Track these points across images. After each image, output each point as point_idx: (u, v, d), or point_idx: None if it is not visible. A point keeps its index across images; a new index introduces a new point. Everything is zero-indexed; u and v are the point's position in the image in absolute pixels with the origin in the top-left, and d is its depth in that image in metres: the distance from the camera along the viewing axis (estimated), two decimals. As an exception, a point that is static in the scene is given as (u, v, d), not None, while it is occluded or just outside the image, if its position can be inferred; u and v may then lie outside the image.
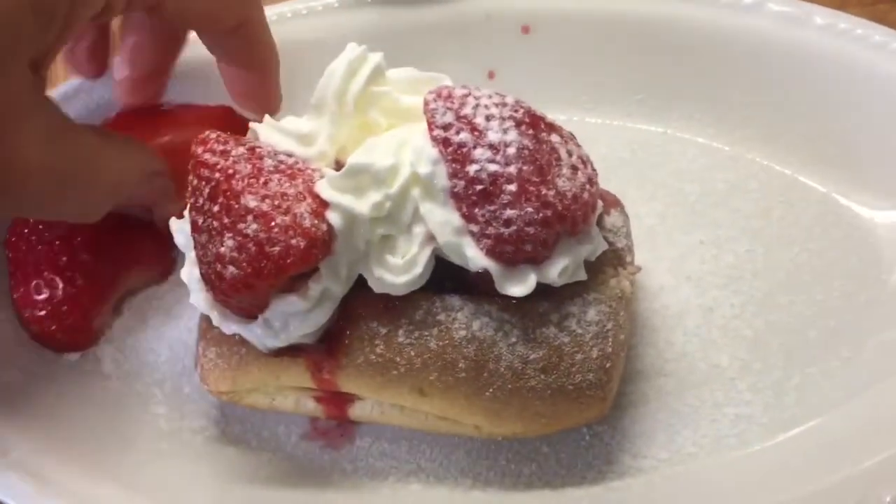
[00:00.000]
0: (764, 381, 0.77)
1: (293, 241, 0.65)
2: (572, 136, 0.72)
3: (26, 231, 0.86)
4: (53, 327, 0.82)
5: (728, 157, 0.92)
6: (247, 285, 0.66)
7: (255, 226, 0.66)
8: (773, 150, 0.91)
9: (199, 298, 0.72)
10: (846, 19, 0.89)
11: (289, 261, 0.65)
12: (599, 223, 0.74)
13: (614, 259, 0.74)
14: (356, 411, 0.75)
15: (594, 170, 0.71)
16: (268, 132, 0.73)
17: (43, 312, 0.82)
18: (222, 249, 0.66)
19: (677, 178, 0.91)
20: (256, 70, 0.87)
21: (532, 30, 0.98)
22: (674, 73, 0.95)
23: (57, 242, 0.84)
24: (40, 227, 0.86)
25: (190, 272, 0.73)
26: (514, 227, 0.65)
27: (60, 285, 0.83)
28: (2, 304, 0.84)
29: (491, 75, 0.99)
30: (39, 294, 0.83)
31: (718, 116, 0.93)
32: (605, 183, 0.74)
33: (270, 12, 1.00)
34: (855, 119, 0.87)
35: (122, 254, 0.86)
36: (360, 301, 0.70)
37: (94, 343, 0.85)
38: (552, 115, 0.79)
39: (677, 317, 0.82)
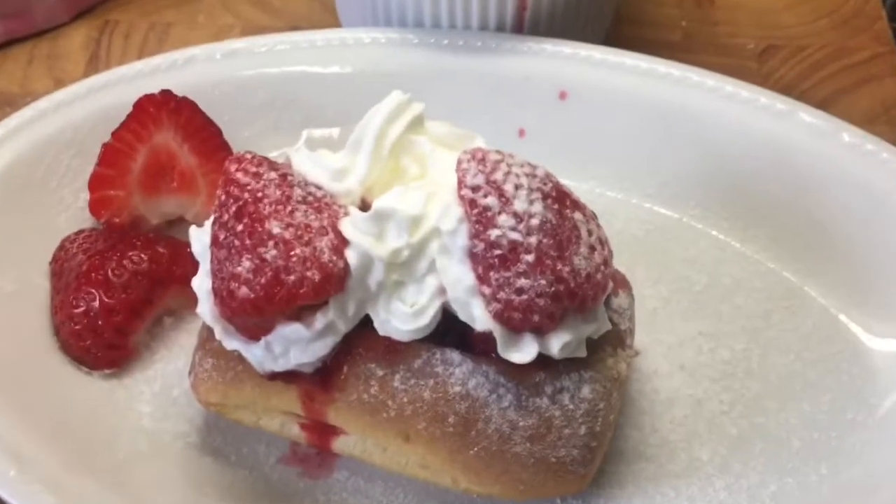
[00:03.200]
0: (741, 484, 0.78)
1: (308, 273, 0.67)
2: (594, 216, 0.73)
3: (69, 246, 0.87)
4: (88, 342, 0.83)
5: (738, 253, 0.93)
6: (256, 308, 0.68)
7: (274, 252, 0.67)
8: (781, 255, 0.92)
9: (205, 309, 0.73)
10: (874, 141, 0.90)
11: (301, 291, 0.67)
12: (606, 303, 0.76)
13: (615, 340, 0.75)
14: (339, 444, 0.76)
15: (610, 252, 0.73)
16: (301, 161, 0.75)
17: (79, 326, 0.83)
18: (238, 269, 0.68)
19: (686, 266, 0.92)
20: None
21: (569, 96, 0.99)
22: (698, 164, 0.95)
23: (96, 258, 0.85)
24: (82, 242, 0.87)
25: (201, 282, 0.74)
26: (524, 297, 0.67)
27: (97, 299, 0.83)
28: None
29: (521, 133, 1.00)
30: (77, 307, 0.83)
31: (735, 212, 0.94)
32: (615, 258, 0.74)
33: (302, 38, 1.02)
34: (870, 243, 0.87)
35: (160, 272, 0.86)
36: (363, 340, 0.72)
37: (128, 361, 0.85)
38: (574, 183, 0.81)
39: (666, 403, 0.83)
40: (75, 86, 0.97)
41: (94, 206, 0.91)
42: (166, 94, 0.92)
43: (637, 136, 0.97)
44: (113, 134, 0.90)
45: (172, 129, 0.91)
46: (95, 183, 0.90)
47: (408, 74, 0.98)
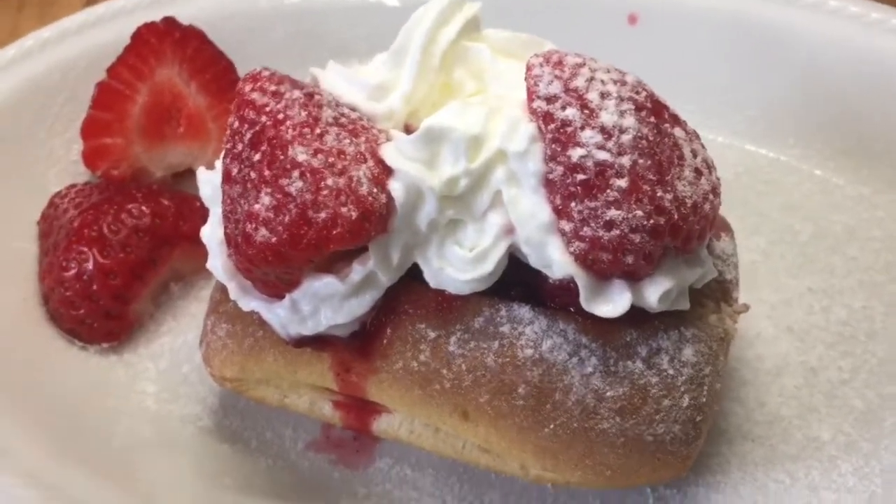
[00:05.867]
0: (872, 467, 0.71)
1: (343, 210, 0.58)
2: (697, 135, 0.64)
3: (58, 202, 0.81)
4: (82, 311, 0.76)
5: (849, 196, 0.87)
6: (278, 255, 0.59)
7: (300, 183, 0.59)
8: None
9: (217, 264, 0.66)
10: None
11: (335, 232, 0.58)
12: (709, 247, 0.67)
13: (719, 292, 0.69)
14: (381, 425, 0.71)
15: (718, 178, 0.63)
16: (332, 79, 0.66)
17: (70, 293, 0.75)
18: (256, 206, 0.59)
19: (787, 213, 0.87)
20: None
21: (640, 20, 0.91)
22: (795, 92, 0.89)
23: (90, 212, 0.77)
24: (74, 197, 0.81)
25: (212, 231, 0.67)
26: (616, 232, 0.58)
27: (91, 259, 0.75)
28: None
29: (584, 66, 0.91)
30: (67, 270, 0.76)
31: (843, 148, 0.88)
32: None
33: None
34: None
35: (165, 228, 0.79)
36: (410, 295, 0.65)
37: (129, 333, 0.78)
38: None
39: (773, 373, 0.77)
40: (65, 20, 0.91)
41: (89, 157, 0.84)
42: (169, 21, 0.84)
43: (721, 63, 0.92)
44: (108, 70, 0.83)
45: (177, 64, 0.84)
46: (89, 129, 0.83)
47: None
